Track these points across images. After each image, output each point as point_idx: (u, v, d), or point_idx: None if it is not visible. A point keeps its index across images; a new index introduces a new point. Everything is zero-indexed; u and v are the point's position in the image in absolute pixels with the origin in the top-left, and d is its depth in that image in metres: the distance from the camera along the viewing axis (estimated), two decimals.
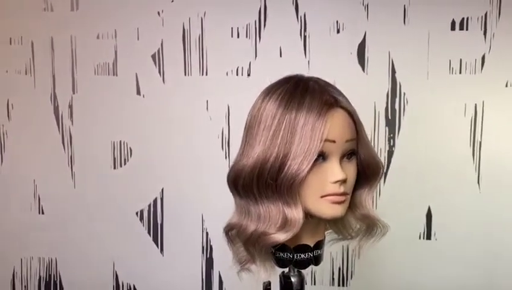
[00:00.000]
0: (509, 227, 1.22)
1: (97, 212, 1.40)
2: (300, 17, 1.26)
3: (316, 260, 0.76)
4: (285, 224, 0.69)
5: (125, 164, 1.38)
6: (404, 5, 1.21)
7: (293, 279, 0.74)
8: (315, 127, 0.67)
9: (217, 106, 1.32)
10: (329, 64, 1.25)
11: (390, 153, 1.26)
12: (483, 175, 1.22)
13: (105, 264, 1.43)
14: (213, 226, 1.37)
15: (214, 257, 1.38)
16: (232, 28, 1.29)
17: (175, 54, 1.32)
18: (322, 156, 0.69)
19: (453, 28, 1.20)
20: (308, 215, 0.71)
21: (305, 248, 0.75)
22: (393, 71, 1.23)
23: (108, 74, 1.36)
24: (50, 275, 1.46)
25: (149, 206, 1.39)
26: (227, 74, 1.30)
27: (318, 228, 0.77)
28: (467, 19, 1.19)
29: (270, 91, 0.74)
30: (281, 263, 0.75)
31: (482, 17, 1.18)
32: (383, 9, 1.22)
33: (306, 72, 1.24)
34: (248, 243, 0.73)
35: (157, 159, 1.36)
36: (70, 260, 1.44)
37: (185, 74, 1.32)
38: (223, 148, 1.33)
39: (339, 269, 1.32)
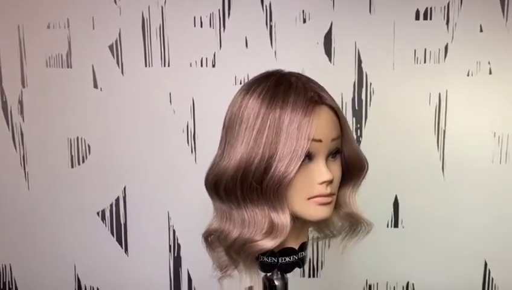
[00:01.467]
0: (472, 213, 1.26)
1: (55, 214, 1.32)
2: (266, 7, 1.22)
3: (301, 262, 0.73)
4: (272, 229, 0.66)
5: (83, 161, 1.30)
6: None
7: (276, 282, 0.71)
8: (301, 126, 0.64)
9: (181, 99, 1.26)
10: (296, 55, 1.22)
11: (357, 143, 1.26)
12: (447, 163, 1.25)
13: (65, 268, 1.35)
14: (180, 223, 1.32)
15: (182, 255, 1.33)
16: (194, 17, 1.23)
17: (134, 44, 1.25)
18: (308, 157, 0.66)
19: (417, 17, 1.20)
20: (293, 217, 0.68)
21: (290, 251, 0.72)
22: (360, 61, 1.22)
23: (62, 66, 1.26)
24: (4, 283, 1.37)
25: (111, 205, 1.32)
26: (190, 64, 1.25)
27: (302, 229, 0.74)
28: (431, 8, 1.20)
29: (251, 88, 0.70)
30: (265, 267, 0.72)
31: (444, 7, 1.19)
32: None
33: (273, 63, 1.24)
34: (231, 249, 0.69)
35: (118, 156, 1.29)
36: (27, 266, 1.36)
37: (146, 65, 1.25)
38: (188, 143, 1.28)
39: (309, 260, 1.32)
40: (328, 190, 0.67)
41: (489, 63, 1.20)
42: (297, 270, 1.31)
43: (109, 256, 1.34)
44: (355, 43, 1.21)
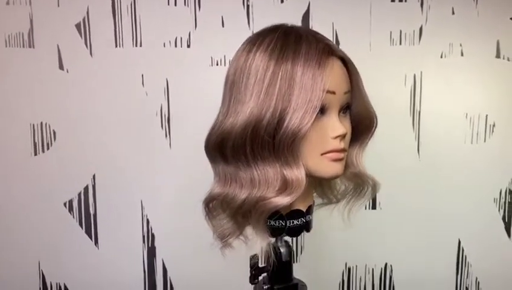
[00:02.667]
0: (446, 192, 1.29)
1: (16, 206, 1.22)
2: None
3: (308, 226, 0.71)
4: (285, 186, 0.62)
5: (48, 149, 1.22)
6: None
7: (282, 249, 0.68)
8: (316, 77, 0.61)
9: (154, 81, 1.21)
10: None
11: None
12: (422, 143, 1.27)
13: (29, 264, 1.25)
14: (154, 212, 1.26)
15: (156, 245, 1.27)
16: None
17: (104, 23, 1.18)
18: (321, 110, 0.63)
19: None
20: None
21: (298, 214, 0.69)
22: (337, 42, 1.21)
23: (23, 46, 1.17)
24: None
25: (79, 195, 1.24)
26: (164, 44, 1.19)
27: (309, 191, 0.71)
28: None
29: (257, 41, 0.66)
30: (273, 232, 0.68)
31: None
32: None
33: None
34: (238, 212, 0.65)
35: (86, 142, 1.22)
36: None
37: (116, 46, 1.19)
38: (162, 127, 1.22)
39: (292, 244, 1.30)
40: (342, 145, 0.65)
41: (461, 45, 1.23)
42: None
43: (77, 250, 1.26)
44: (333, 23, 1.21)
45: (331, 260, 1.31)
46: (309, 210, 0.71)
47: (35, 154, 1.21)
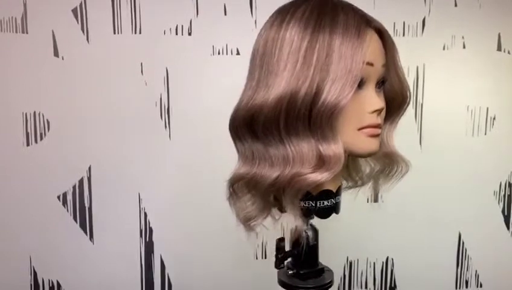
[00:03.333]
0: (447, 185, 1.28)
1: (8, 198, 1.16)
2: None
3: (337, 207, 0.68)
4: (322, 163, 0.59)
5: (41, 139, 1.16)
6: None
7: (309, 233, 0.65)
8: (355, 47, 0.58)
9: (154, 69, 1.17)
10: None
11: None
12: (424, 135, 1.26)
13: (19, 260, 1.19)
14: (152, 205, 1.22)
15: (154, 239, 1.23)
16: None
17: (102, 9, 1.13)
18: (359, 83, 0.60)
19: None
20: None
21: (328, 195, 0.66)
22: None
23: (17, 31, 1.12)
24: None
25: (74, 187, 1.19)
26: (164, 32, 1.16)
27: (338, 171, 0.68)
28: None
29: (288, 11, 0.63)
30: (302, 213, 0.64)
31: None
32: None
33: (253, 32, 1.18)
34: (269, 191, 0.62)
35: (82, 132, 1.17)
36: None
37: (114, 32, 1.15)
38: (162, 117, 1.19)
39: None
40: (379, 120, 0.63)
41: (463, 37, 1.24)
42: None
43: (71, 244, 1.21)
44: None
45: (333, 253, 1.27)
46: (338, 191, 0.69)
47: (28, 144, 1.16)
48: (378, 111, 0.63)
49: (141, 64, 1.16)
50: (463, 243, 1.32)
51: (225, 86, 1.19)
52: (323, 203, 0.65)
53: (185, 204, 1.22)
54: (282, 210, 0.66)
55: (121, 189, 1.20)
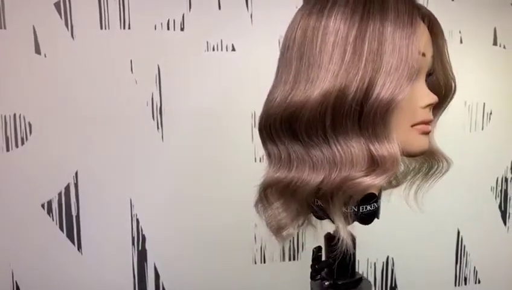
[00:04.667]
0: (445, 181, 1.27)
1: None
2: None
3: (378, 212, 0.63)
4: (376, 165, 0.53)
5: (22, 143, 1.08)
6: None
7: (348, 240, 0.60)
8: (410, 36, 0.52)
9: (144, 67, 1.10)
10: (274, 19, 1.13)
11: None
12: None
13: (0, 274, 1.10)
14: (145, 211, 1.15)
15: (147, 248, 1.16)
16: None
17: (87, 2, 1.05)
18: None
19: None
20: None
21: (371, 198, 0.60)
22: None
23: None
24: None
25: (59, 195, 1.11)
26: (155, 27, 1.09)
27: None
28: None
29: None
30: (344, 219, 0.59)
31: None
32: None
33: (248, 27, 1.13)
34: (309, 198, 0.56)
35: (67, 135, 1.09)
36: None
37: (101, 27, 1.07)
38: (154, 118, 1.12)
39: (290, 242, 1.23)
40: (431, 115, 0.58)
41: (460, 32, 1.23)
42: (277, 254, 1.24)
43: (58, 256, 1.12)
44: None
45: None
46: (380, 194, 0.64)
47: (8, 149, 1.07)
48: (431, 105, 0.58)
49: (131, 61, 1.09)
50: (461, 239, 1.31)
51: (221, 84, 1.14)
52: (366, 208, 0.60)
53: (180, 210, 1.16)
54: (320, 217, 0.61)
55: (110, 195, 1.13)
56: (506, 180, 1.31)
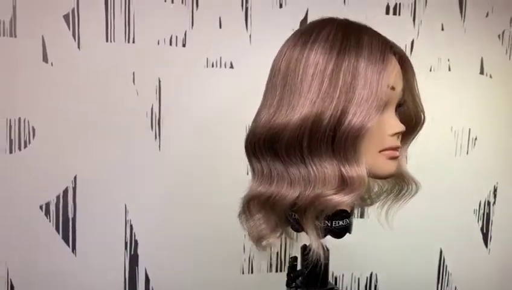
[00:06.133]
0: (430, 202, 1.32)
1: None
2: None
3: (351, 227, 0.68)
4: (345, 185, 0.59)
5: (25, 146, 1.12)
6: None
7: (320, 252, 0.64)
8: (380, 71, 0.59)
9: (146, 79, 1.15)
10: (271, 39, 1.17)
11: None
12: (409, 153, 1.29)
13: None
14: (139, 217, 1.19)
15: (139, 252, 1.20)
16: None
17: (95, 16, 1.11)
18: None
19: (387, 12, 1.24)
20: None
21: (343, 214, 0.66)
22: None
23: (4, 35, 1.08)
24: None
25: (57, 197, 1.15)
26: (158, 42, 1.15)
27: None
28: (399, 4, 1.24)
29: (313, 32, 0.64)
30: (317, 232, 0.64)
31: (412, 4, 1.25)
32: None
33: (247, 46, 1.19)
34: (286, 211, 0.62)
35: (69, 141, 1.13)
36: None
37: (107, 40, 1.12)
38: (152, 128, 1.17)
39: (277, 254, 1.27)
40: (398, 143, 0.64)
41: (448, 60, 1.28)
42: (264, 265, 1.28)
43: (52, 257, 1.16)
44: None
45: None
46: (352, 211, 0.69)
47: (11, 152, 1.12)
48: (398, 134, 0.64)
49: (133, 73, 1.15)
50: (444, 259, 1.35)
51: (218, 98, 1.19)
52: (338, 223, 0.66)
53: (172, 217, 1.21)
54: (296, 229, 0.66)
55: (106, 200, 1.17)
56: (489, 203, 1.36)
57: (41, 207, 1.15)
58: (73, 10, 1.10)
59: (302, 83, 0.61)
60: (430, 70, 1.28)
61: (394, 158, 0.65)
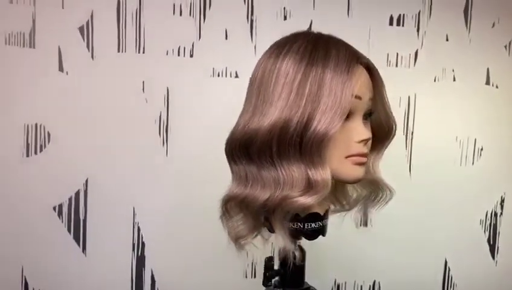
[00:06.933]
0: (435, 212, 1.32)
1: (5, 205, 1.18)
2: (248, 1, 1.22)
3: (325, 230, 0.71)
4: (310, 187, 0.63)
5: (41, 151, 1.19)
6: None
7: (296, 253, 0.68)
8: (345, 81, 0.62)
9: (155, 88, 1.21)
10: None
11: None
12: (413, 163, 1.30)
13: (11, 269, 1.20)
14: (146, 220, 1.24)
15: (146, 254, 1.25)
16: (174, 5, 1.19)
17: (107, 28, 1.18)
18: (347, 114, 0.65)
19: (391, 23, 1.26)
20: None
21: (315, 217, 0.69)
22: None
23: (24, 45, 1.16)
24: None
25: (70, 199, 1.21)
26: (167, 53, 1.20)
27: (326, 195, 0.71)
28: (403, 15, 1.26)
29: (286, 45, 0.68)
30: (290, 234, 0.67)
31: (416, 15, 1.27)
32: (328, 0, 1.24)
33: (252, 57, 1.23)
34: (260, 212, 0.65)
35: (82, 145, 1.20)
36: None
37: (119, 51, 1.19)
38: (160, 135, 1.22)
39: None
40: (365, 149, 0.67)
41: (453, 70, 1.29)
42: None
43: (64, 255, 1.22)
44: None
45: (321, 276, 1.31)
46: (326, 214, 0.72)
47: (28, 155, 1.19)
48: (365, 141, 0.67)
49: (143, 82, 1.20)
50: (449, 269, 1.34)
51: (223, 106, 1.23)
52: (310, 225, 0.68)
53: (178, 221, 1.25)
54: (272, 230, 0.69)
55: (116, 203, 1.23)
56: (495, 214, 1.35)
57: (54, 208, 1.21)
58: (87, 22, 1.17)
59: (273, 92, 0.65)
60: (435, 80, 1.29)
61: (361, 164, 0.68)
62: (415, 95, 1.28)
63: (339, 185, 0.79)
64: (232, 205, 0.69)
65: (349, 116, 0.66)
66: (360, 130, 0.66)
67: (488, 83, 1.30)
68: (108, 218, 1.23)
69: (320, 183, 0.63)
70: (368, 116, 0.70)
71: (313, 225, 0.68)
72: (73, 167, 1.21)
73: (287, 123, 0.63)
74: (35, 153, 1.19)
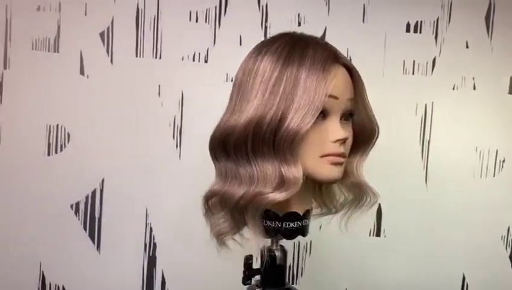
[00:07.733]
0: (451, 225, 1.27)
1: (23, 203, 1.24)
2: (262, 7, 1.24)
3: (304, 230, 0.71)
4: (282, 184, 0.63)
5: (61, 150, 1.25)
6: (364, 4, 1.24)
7: (276, 253, 0.68)
8: (319, 80, 0.63)
9: (170, 92, 1.24)
10: None
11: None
12: (430, 173, 1.26)
13: (29, 264, 1.26)
14: (158, 221, 1.27)
15: (157, 254, 1.27)
16: (190, 12, 1.23)
17: (126, 34, 1.23)
18: (322, 114, 0.66)
19: (408, 30, 1.24)
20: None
21: (294, 216, 0.70)
22: None
23: (49, 50, 1.22)
24: None
25: (86, 198, 1.26)
26: (182, 58, 1.24)
27: (306, 195, 0.72)
28: (421, 22, 1.24)
29: (267, 45, 0.69)
30: (268, 232, 0.69)
31: (434, 21, 1.24)
32: (343, 6, 1.24)
33: None
34: (236, 208, 0.66)
35: (99, 146, 1.24)
36: None
37: (137, 56, 1.23)
38: (174, 137, 1.25)
39: (289, 267, 1.28)
40: (341, 149, 0.66)
41: (473, 78, 1.25)
42: None
43: (79, 252, 1.27)
44: (348, 49, 1.23)
45: (331, 284, 1.29)
46: (306, 215, 0.72)
47: (49, 154, 1.24)
48: (341, 141, 0.66)
49: (159, 86, 1.24)
50: (467, 285, 1.29)
51: None
52: (289, 224, 0.69)
53: (190, 222, 1.25)
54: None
55: (130, 203, 1.26)
56: None
57: (71, 206, 1.26)
58: (108, 28, 1.22)
59: (251, 91, 0.66)
60: (453, 88, 1.25)
61: (337, 164, 0.67)
62: (432, 103, 1.25)
63: (324, 188, 0.78)
64: (213, 202, 0.71)
65: (326, 115, 0.66)
66: (336, 130, 0.66)
67: (511, 92, 1.25)
68: (123, 217, 1.27)
69: (292, 180, 0.63)
70: (348, 116, 0.69)
71: (292, 224, 0.68)
72: (91, 167, 1.25)
73: (261, 120, 0.64)
74: (56, 152, 1.25)
